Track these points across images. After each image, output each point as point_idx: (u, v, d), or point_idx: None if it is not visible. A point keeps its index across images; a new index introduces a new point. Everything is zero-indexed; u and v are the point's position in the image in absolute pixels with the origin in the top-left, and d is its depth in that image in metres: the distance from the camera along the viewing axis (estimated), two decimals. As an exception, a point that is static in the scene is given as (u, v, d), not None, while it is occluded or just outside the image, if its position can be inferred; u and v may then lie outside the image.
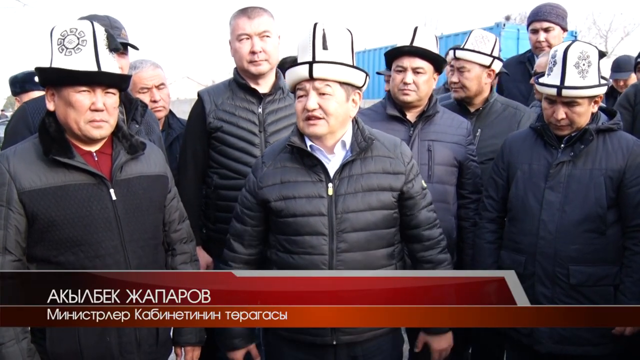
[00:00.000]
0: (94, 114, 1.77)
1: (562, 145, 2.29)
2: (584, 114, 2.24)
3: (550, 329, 2.24)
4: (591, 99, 2.23)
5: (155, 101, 2.98)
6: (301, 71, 1.88)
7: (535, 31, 3.47)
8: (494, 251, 2.46)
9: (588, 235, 2.23)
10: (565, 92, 2.19)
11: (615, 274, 2.24)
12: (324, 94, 1.88)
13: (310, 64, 1.86)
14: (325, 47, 1.88)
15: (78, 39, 1.74)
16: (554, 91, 2.21)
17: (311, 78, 1.87)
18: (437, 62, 2.58)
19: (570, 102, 2.21)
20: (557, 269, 2.24)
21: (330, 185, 1.94)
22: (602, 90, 2.25)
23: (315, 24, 1.91)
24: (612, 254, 2.25)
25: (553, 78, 2.22)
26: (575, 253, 2.22)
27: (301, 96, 1.92)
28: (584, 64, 2.20)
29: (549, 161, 2.30)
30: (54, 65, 1.74)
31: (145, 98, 2.95)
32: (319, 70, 1.86)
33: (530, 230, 2.30)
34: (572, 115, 2.23)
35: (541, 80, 2.27)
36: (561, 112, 2.22)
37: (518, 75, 3.48)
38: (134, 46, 2.44)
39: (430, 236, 2.09)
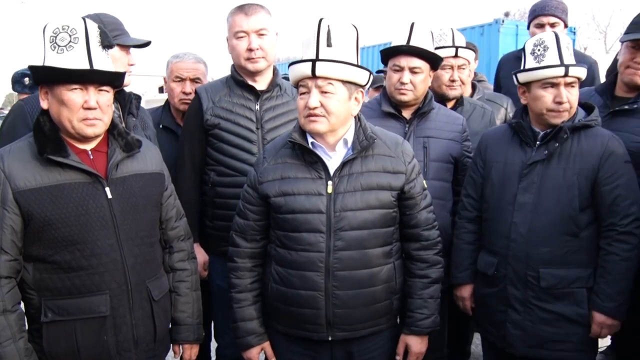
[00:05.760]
0: (87, 112, 1.76)
1: (538, 143, 2.23)
2: (577, 97, 2.20)
3: (522, 332, 2.22)
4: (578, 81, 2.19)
5: (185, 93, 3.02)
6: (304, 69, 1.87)
7: (540, 25, 3.45)
8: (472, 252, 2.41)
9: (560, 237, 2.16)
10: (571, 70, 2.12)
11: (588, 277, 2.18)
12: (326, 92, 1.87)
13: (313, 61, 1.85)
14: (329, 44, 1.86)
15: (70, 36, 1.73)
16: (561, 71, 2.13)
17: (314, 76, 1.86)
18: (434, 61, 2.57)
19: (571, 84, 2.16)
20: (528, 271, 2.19)
21: (329, 183, 1.94)
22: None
23: (321, 20, 1.89)
24: (585, 257, 2.18)
25: (549, 61, 2.15)
26: (547, 255, 2.17)
27: (303, 93, 1.91)
28: (568, 48, 2.18)
29: (523, 160, 2.24)
30: (46, 64, 1.73)
31: (177, 88, 3.01)
32: (321, 69, 1.85)
33: (502, 232, 2.25)
34: (572, 99, 2.17)
35: (537, 65, 2.17)
36: (564, 95, 2.15)
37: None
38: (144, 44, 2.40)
39: (429, 237, 2.10)
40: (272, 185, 1.97)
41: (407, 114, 2.62)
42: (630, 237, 2.14)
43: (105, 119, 1.82)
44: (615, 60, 3.59)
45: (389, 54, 2.59)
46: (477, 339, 3.48)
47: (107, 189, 1.81)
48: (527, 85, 2.24)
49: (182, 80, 3.03)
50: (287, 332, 2.05)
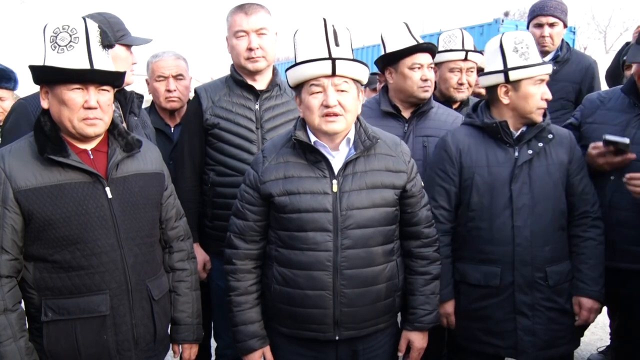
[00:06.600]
0: (87, 112, 1.76)
1: (514, 141, 2.25)
2: None
3: (533, 337, 2.22)
4: None
5: (169, 90, 3.02)
6: (321, 67, 1.86)
7: (539, 25, 3.46)
8: (451, 266, 2.34)
9: (556, 233, 2.23)
10: (557, 66, 2.25)
11: (573, 267, 2.27)
12: (342, 90, 1.88)
13: (333, 60, 1.85)
14: (337, 44, 1.87)
15: (70, 36, 1.73)
16: (550, 69, 2.23)
17: (333, 74, 1.86)
18: (435, 56, 2.63)
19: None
20: (535, 274, 2.20)
21: (334, 182, 1.94)
22: None
23: (325, 20, 1.90)
24: (567, 248, 2.28)
25: (535, 59, 2.21)
26: (549, 254, 2.21)
27: (317, 92, 1.89)
28: None
29: (508, 162, 2.23)
30: (46, 63, 1.73)
31: (161, 87, 3.01)
32: (341, 67, 1.86)
33: (502, 238, 2.20)
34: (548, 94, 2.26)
35: (527, 63, 2.19)
36: (548, 92, 2.24)
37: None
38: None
39: (429, 234, 2.12)
40: (276, 185, 1.95)
41: (406, 113, 2.64)
42: (600, 222, 2.29)
43: (106, 119, 1.82)
44: (616, 60, 3.60)
45: (406, 53, 2.59)
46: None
47: (107, 189, 1.82)
48: (514, 83, 2.21)
49: (165, 78, 3.03)
50: (291, 333, 2.03)
